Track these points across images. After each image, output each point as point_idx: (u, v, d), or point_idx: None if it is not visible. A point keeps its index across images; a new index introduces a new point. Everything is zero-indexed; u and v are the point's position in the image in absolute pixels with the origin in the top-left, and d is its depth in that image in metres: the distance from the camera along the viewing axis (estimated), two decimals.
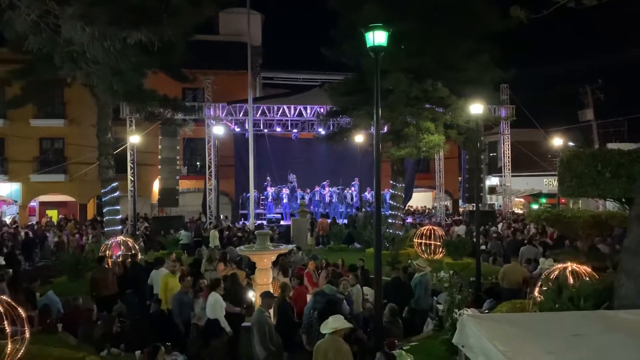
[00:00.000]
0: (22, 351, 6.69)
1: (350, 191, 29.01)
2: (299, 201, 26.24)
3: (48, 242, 20.68)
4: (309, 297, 9.57)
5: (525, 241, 16.24)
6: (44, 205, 32.25)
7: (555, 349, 3.87)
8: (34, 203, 31.37)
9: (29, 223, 26.98)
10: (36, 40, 9.46)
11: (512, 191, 31.86)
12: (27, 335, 6.78)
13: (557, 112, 33.55)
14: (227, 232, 21.52)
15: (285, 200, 28.06)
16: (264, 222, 25.71)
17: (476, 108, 14.18)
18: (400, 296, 10.25)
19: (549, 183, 31.35)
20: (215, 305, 8.97)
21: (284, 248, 12.80)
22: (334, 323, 6.48)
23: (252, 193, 25.10)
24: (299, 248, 15.74)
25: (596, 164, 10.44)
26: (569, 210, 15.07)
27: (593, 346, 3.97)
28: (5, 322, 6.46)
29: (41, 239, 20.79)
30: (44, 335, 8.85)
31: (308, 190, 28.61)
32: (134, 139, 23.41)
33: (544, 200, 32.22)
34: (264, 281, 9.96)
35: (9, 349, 6.54)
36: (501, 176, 31.76)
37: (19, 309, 6.76)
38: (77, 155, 28.18)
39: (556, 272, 8.36)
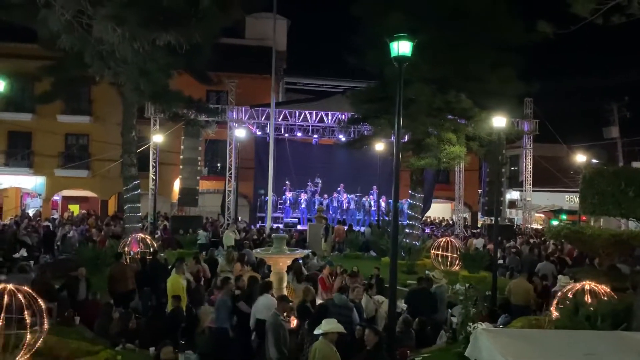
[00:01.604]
0: (40, 342, 6.85)
1: (369, 199, 28.94)
2: (316, 206, 26.32)
3: (69, 235, 21.03)
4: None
5: (538, 257, 16.03)
6: (67, 200, 32.86)
7: None
8: (57, 197, 31.96)
9: (51, 217, 27.49)
10: (69, 38, 9.73)
11: (533, 206, 31.45)
12: (46, 326, 6.94)
13: (581, 128, 33.03)
14: (243, 234, 21.67)
15: (303, 205, 28.15)
16: (281, 226, 25.79)
17: (499, 121, 14.10)
18: (427, 308, 10.18)
19: (570, 199, 30.93)
20: (270, 307, 8.88)
21: (300, 252, 12.87)
22: (326, 326, 6.59)
23: (271, 196, 25.23)
24: (314, 253, 15.77)
25: (619, 182, 10.28)
26: (589, 227, 14.85)
27: None
28: (26, 313, 6.63)
29: (61, 233, 21.13)
30: (61, 327, 9.02)
31: (326, 196, 28.65)
32: (157, 138, 23.76)
33: (564, 217, 31.75)
34: (279, 285, 10.00)
35: (27, 338, 6.70)
36: (522, 190, 31.41)
37: (39, 300, 6.92)
38: (101, 152, 28.66)
39: (574, 290, 8.26)
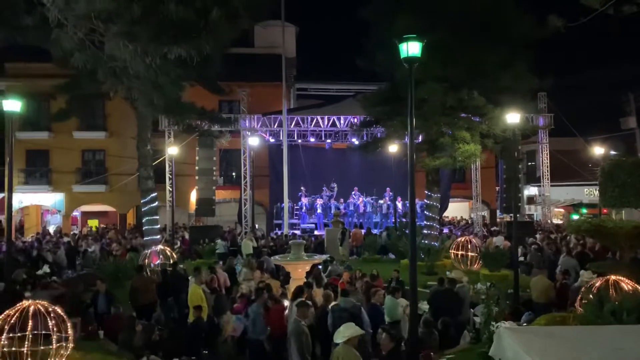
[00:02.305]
0: (65, 357, 6.94)
1: (386, 202, 28.87)
2: (333, 211, 26.30)
3: (89, 250, 21.28)
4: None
5: (558, 252, 15.81)
6: (86, 215, 33.26)
7: None
8: (76, 213, 32.39)
9: (72, 232, 27.85)
10: (81, 56, 9.89)
11: (551, 201, 31.08)
12: (71, 341, 7.03)
13: (598, 120, 32.54)
14: (261, 241, 21.74)
15: (319, 210, 28.16)
16: (298, 232, 25.82)
17: (513, 117, 13.98)
18: (451, 308, 10.13)
19: (589, 193, 30.44)
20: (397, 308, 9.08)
21: (318, 258, 12.87)
22: (346, 331, 6.56)
23: (286, 203, 25.28)
24: (332, 258, 15.76)
25: (639, 173, 10.15)
26: (610, 220, 14.61)
27: None
28: (52, 329, 6.72)
29: (82, 248, 21.40)
30: (85, 341, 9.13)
31: (342, 200, 28.65)
32: (172, 150, 23.99)
33: (584, 211, 31.31)
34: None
35: (53, 354, 6.79)
36: (540, 186, 31.06)
37: (63, 315, 7.02)
38: (117, 166, 29.04)
39: (597, 285, 8.14)
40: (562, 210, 35.01)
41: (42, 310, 6.76)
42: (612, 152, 28.38)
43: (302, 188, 28.80)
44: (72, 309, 10.37)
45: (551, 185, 30.04)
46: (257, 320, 9.17)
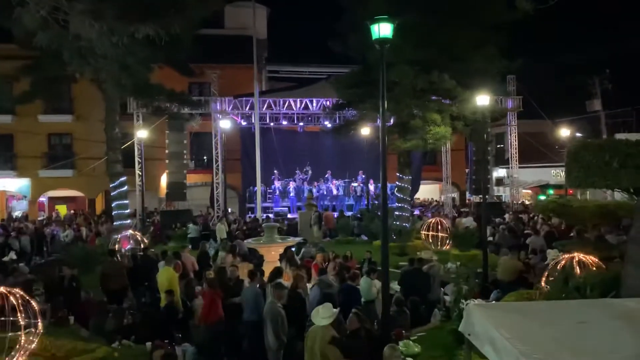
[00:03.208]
0: (35, 343, 6.82)
1: (359, 184, 29.01)
2: (306, 194, 26.34)
3: (58, 236, 20.88)
4: (310, 290, 9.63)
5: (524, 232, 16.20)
6: (53, 201, 32.53)
7: (561, 335, 3.92)
8: (43, 198, 31.63)
9: (39, 218, 27.22)
10: (45, 36, 9.57)
11: (520, 183, 31.76)
12: (40, 327, 6.91)
13: (565, 102, 33.28)
14: (234, 225, 21.65)
15: (292, 194, 28.16)
16: (271, 216, 25.82)
17: (482, 99, 14.16)
18: (421, 287, 10.32)
19: (556, 174, 31.19)
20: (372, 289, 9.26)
21: (291, 240, 12.92)
22: (325, 313, 6.64)
23: (259, 186, 25.18)
24: (305, 241, 15.83)
25: (604, 154, 10.36)
26: (576, 200, 15.04)
27: (598, 333, 4.02)
28: (19, 315, 6.59)
29: (49, 233, 20.98)
30: (55, 327, 8.99)
31: (315, 184, 28.70)
32: (141, 133, 23.57)
33: (551, 192, 32.09)
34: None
35: (22, 340, 6.67)
36: (508, 168, 31.67)
37: (32, 301, 6.88)
38: (85, 151, 28.38)
39: (563, 262, 8.38)
40: (529, 191, 35.83)
41: (10, 296, 6.61)
42: (578, 134, 29.09)
43: (275, 171, 28.72)
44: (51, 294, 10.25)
45: (519, 167, 30.67)
46: (258, 300, 9.07)
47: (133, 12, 8.90)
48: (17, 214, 29.88)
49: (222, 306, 8.95)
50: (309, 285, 9.90)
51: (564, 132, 27.25)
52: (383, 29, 8.12)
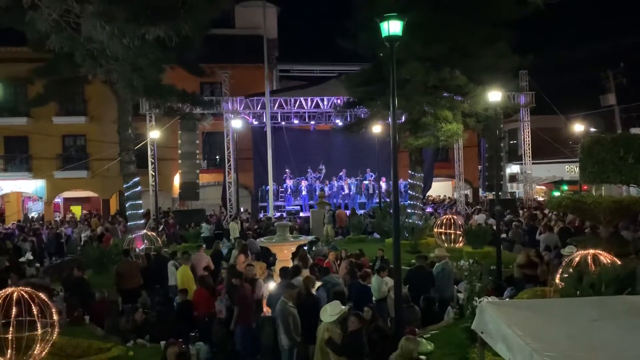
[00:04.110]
0: (51, 342, 6.91)
1: (370, 182, 28.96)
2: (318, 193, 26.35)
3: (73, 237, 21.12)
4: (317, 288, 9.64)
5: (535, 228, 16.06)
6: (68, 201, 32.92)
7: (574, 333, 3.89)
8: (58, 199, 32.01)
9: (54, 219, 27.55)
10: (57, 39, 9.66)
11: (533, 179, 31.46)
12: (57, 326, 7.00)
13: (578, 97, 32.94)
14: (246, 224, 21.73)
15: (304, 192, 28.19)
16: (284, 214, 25.87)
17: (494, 95, 14.06)
18: (423, 284, 10.30)
19: (570, 170, 30.90)
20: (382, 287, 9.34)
21: (304, 239, 12.91)
22: (333, 310, 6.65)
23: (271, 185, 25.24)
24: (317, 239, 15.82)
25: (618, 149, 10.29)
26: (589, 196, 14.85)
27: (612, 330, 3.97)
28: (36, 314, 6.68)
29: (66, 234, 21.22)
30: (71, 327, 9.10)
31: (327, 182, 28.70)
32: (154, 134, 23.74)
33: (565, 188, 31.78)
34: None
35: (39, 340, 6.76)
36: (522, 164, 31.40)
37: (48, 301, 6.98)
38: (98, 152, 28.64)
39: (577, 259, 8.29)
40: (543, 187, 35.52)
41: (26, 297, 6.70)
42: (592, 129, 28.77)
43: (286, 170, 28.77)
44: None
45: (533, 163, 30.37)
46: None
47: (143, 14, 8.96)
48: (33, 214, 30.29)
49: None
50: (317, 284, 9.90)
51: (578, 127, 26.94)
52: (393, 27, 8.10)
